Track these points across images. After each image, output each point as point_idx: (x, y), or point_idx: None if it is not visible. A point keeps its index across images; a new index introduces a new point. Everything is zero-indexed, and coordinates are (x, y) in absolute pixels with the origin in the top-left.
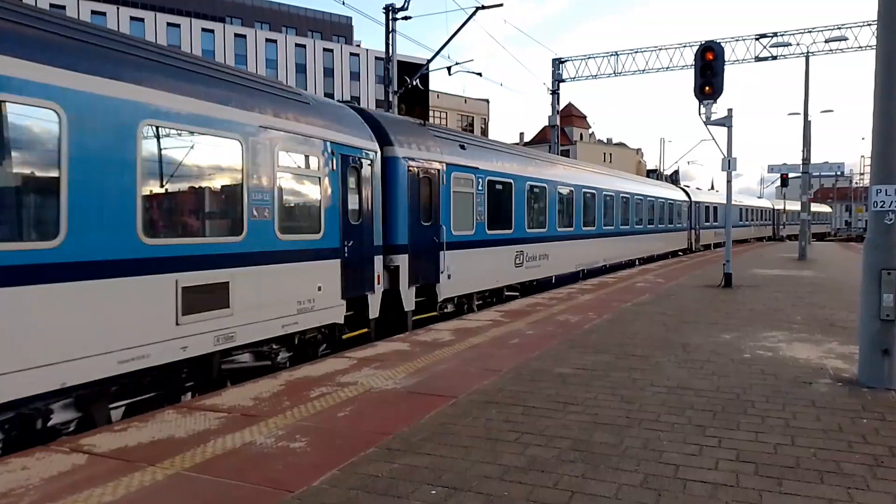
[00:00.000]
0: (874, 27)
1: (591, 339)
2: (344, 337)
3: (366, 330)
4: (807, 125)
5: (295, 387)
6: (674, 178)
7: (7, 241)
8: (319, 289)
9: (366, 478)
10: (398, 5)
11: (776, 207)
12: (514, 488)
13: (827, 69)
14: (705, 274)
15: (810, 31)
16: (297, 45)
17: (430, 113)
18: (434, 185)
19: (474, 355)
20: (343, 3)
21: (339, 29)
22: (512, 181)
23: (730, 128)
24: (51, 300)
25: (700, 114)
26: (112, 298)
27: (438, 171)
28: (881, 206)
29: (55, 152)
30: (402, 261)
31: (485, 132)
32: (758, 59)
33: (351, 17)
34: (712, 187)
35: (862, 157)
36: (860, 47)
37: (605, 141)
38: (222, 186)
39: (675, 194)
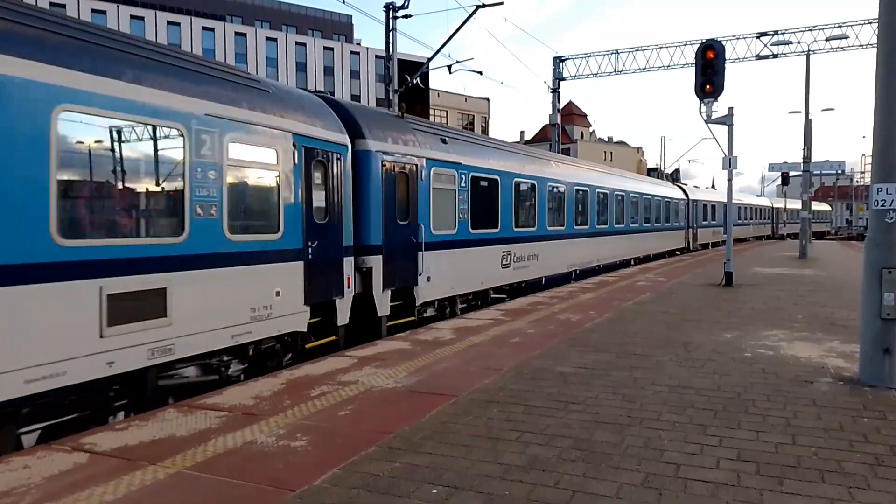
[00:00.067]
0: (875, 25)
1: (593, 338)
2: (308, 346)
3: (334, 338)
4: (808, 123)
5: (296, 385)
6: (675, 177)
7: None
8: (278, 294)
9: (367, 477)
10: (398, 4)
11: (775, 206)
12: (514, 487)
13: (828, 67)
14: (706, 272)
15: (811, 30)
16: (297, 43)
17: (431, 111)
18: (412, 182)
19: (475, 354)
20: (343, 2)
21: (339, 27)
22: (498, 178)
23: (730, 126)
24: None
25: (701, 112)
26: (17, 308)
27: (417, 166)
28: (882, 205)
29: None
30: (376, 262)
31: (485, 131)
32: (758, 57)
33: (351, 16)
34: (713, 186)
35: (863, 155)
36: (861, 45)
37: (606, 139)
38: (159, 181)
39: (672, 192)
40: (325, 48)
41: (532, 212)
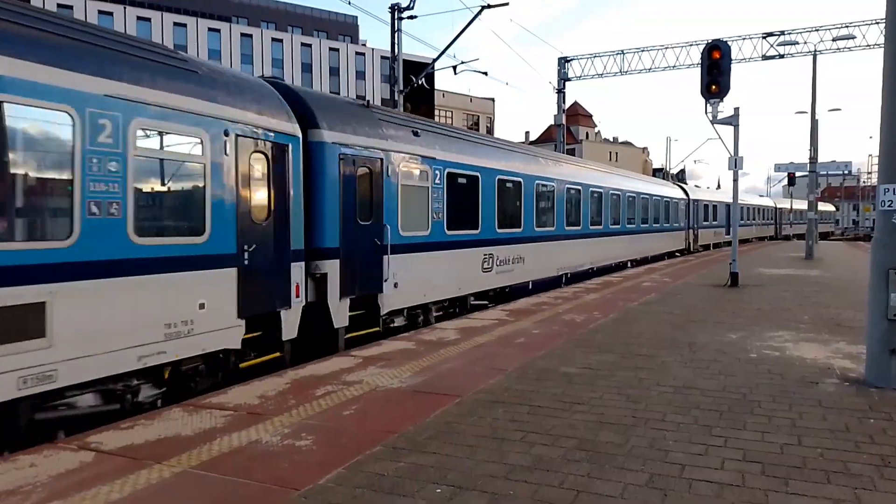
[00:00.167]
0: (882, 25)
1: (597, 339)
2: (243, 366)
3: (277, 354)
4: (814, 124)
5: (300, 385)
6: (680, 177)
7: None
8: (202, 306)
9: (371, 476)
10: (404, 5)
11: (778, 206)
12: (519, 487)
13: (834, 68)
14: (711, 273)
15: (818, 30)
16: (303, 44)
17: (436, 112)
18: (376, 178)
19: (480, 354)
20: (349, 3)
21: (344, 28)
22: (478, 175)
23: (736, 126)
24: None
25: (707, 112)
26: None
27: (382, 160)
28: (889, 206)
29: None
30: (332, 267)
31: (490, 131)
32: (765, 57)
33: (357, 17)
34: (719, 186)
35: (870, 155)
36: (868, 46)
37: (611, 140)
38: (38, 174)
39: (671, 192)
40: (330, 49)
41: (517, 211)
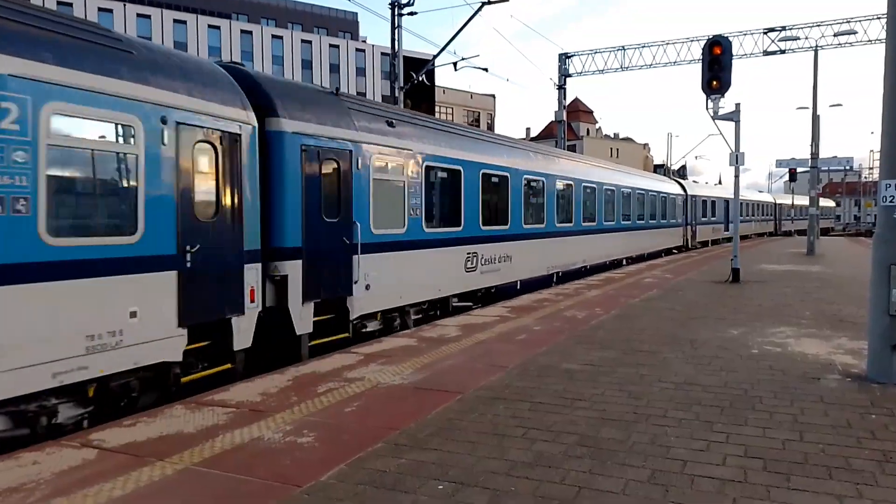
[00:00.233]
0: (884, 21)
1: (599, 335)
2: (185, 380)
3: (228, 366)
4: (815, 119)
5: (302, 382)
6: (681, 173)
7: None
8: (133, 315)
9: (373, 473)
10: (404, 1)
11: (778, 202)
12: (521, 484)
13: (836, 63)
14: (712, 269)
15: (819, 25)
16: (303, 41)
17: (437, 108)
18: (345, 171)
19: (481, 351)
20: None
21: (345, 25)
22: (461, 168)
23: (737, 122)
24: None
25: (708, 108)
26: None
27: (351, 152)
28: (890, 201)
29: None
30: (293, 269)
31: (491, 127)
32: (766, 53)
33: (357, 13)
34: (720, 182)
35: (871, 151)
36: (869, 41)
37: (612, 136)
38: None
39: (668, 187)
40: (330, 46)
41: (504, 208)
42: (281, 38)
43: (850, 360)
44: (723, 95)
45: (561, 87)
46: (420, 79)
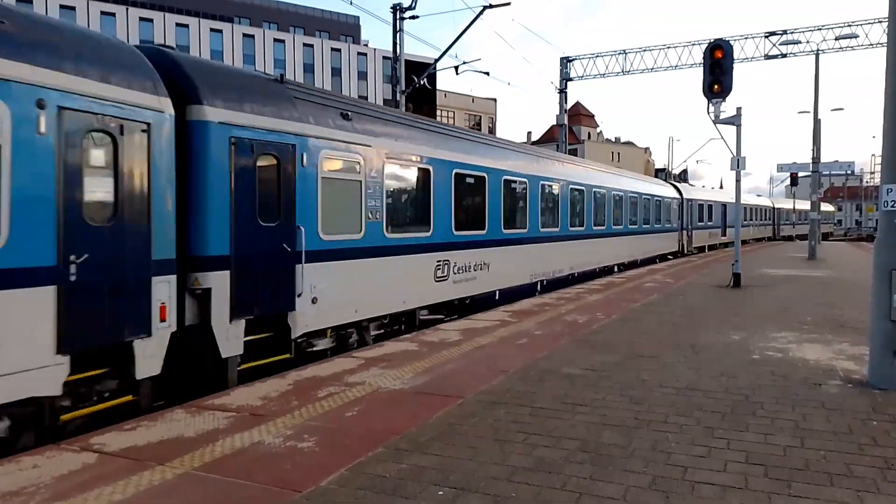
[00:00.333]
0: (885, 24)
1: (600, 339)
2: (65, 418)
3: (129, 398)
4: (817, 124)
5: (303, 386)
6: (682, 177)
7: None
8: None
9: (374, 478)
10: (405, 4)
11: (776, 206)
12: (521, 489)
13: (837, 67)
14: (713, 274)
15: (820, 29)
16: (305, 44)
17: (438, 112)
18: (287, 168)
19: (482, 355)
20: (351, 3)
21: (346, 28)
22: (429, 168)
23: (739, 126)
24: None
25: (709, 112)
26: None
27: (295, 147)
28: (892, 206)
29: None
30: (219, 281)
31: (492, 131)
32: (767, 57)
33: (359, 17)
34: (721, 186)
35: (873, 155)
36: (871, 45)
37: (614, 140)
38: None
39: (663, 190)
40: (332, 49)
41: (481, 211)
42: (283, 41)
43: (852, 366)
44: (724, 99)
45: (562, 91)
46: (422, 82)
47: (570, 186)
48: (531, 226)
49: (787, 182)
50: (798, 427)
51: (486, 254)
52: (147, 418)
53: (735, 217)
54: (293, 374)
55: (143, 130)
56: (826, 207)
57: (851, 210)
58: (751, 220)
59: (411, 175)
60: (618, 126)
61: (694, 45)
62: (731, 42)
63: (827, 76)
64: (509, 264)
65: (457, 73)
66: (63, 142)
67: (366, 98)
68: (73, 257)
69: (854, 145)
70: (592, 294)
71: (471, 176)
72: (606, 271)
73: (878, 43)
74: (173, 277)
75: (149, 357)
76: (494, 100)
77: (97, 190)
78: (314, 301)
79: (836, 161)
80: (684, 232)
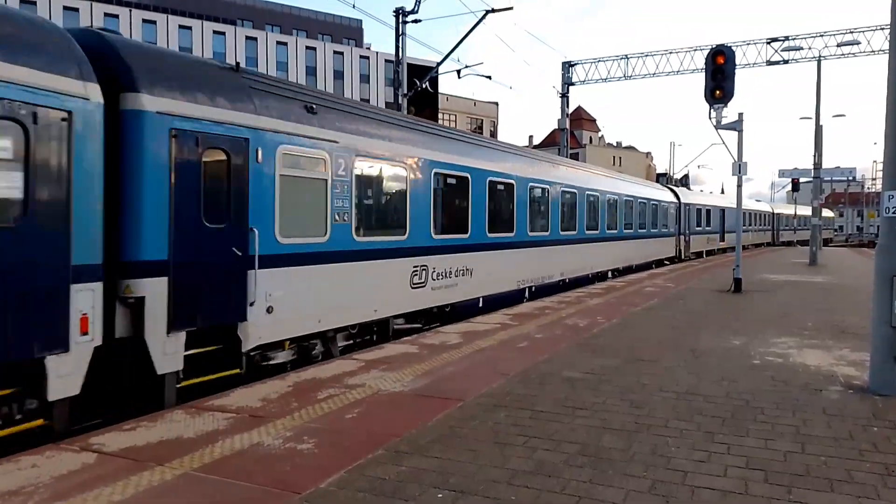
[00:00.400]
0: (887, 31)
1: (600, 343)
2: None
3: (40, 422)
4: (818, 129)
5: (303, 388)
6: (684, 182)
7: None
8: None
9: (373, 480)
10: (408, 8)
11: (776, 211)
12: (521, 492)
13: (839, 73)
14: (714, 278)
15: (822, 35)
16: (307, 47)
17: (440, 115)
18: (238, 165)
19: (482, 358)
20: (353, 6)
21: (349, 32)
22: (406, 167)
23: (740, 132)
24: None
25: (710, 118)
26: None
27: (248, 141)
28: (893, 212)
29: None
30: (154, 288)
31: (494, 135)
32: (769, 62)
33: (361, 20)
34: (723, 191)
35: (874, 161)
36: (873, 51)
37: (615, 144)
38: None
39: (660, 194)
40: (335, 52)
41: (464, 213)
42: (285, 44)
43: (853, 372)
44: (726, 105)
45: (564, 96)
46: (424, 86)
47: (562, 189)
48: (518, 229)
49: (789, 187)
50: (799, 432)
51: (468, 259)
52: (146, 419)
53: (736, 222)
54: (293, 376)
55: (63, 119)
56: (826, 213)
57: (853, 216)
58: (749, 225)
59: (385, 174)
60: (619, 130)
61: (696, 50)
62: (733, 48)
63: (829, 82)
64: (494, 270)
65: (459, 77)
66: None
67: (367, 101)
68: None
69: (856, 151)
70: (593, 298)
71: (452, 176)
72: (600, 277)
73: (880, 50)
74: (99, 285)
75: (64, 376)
76: (496, 103)
77: (1, 186)
78: (269, 310)
79: (838, 167)
80: (681, 237)
